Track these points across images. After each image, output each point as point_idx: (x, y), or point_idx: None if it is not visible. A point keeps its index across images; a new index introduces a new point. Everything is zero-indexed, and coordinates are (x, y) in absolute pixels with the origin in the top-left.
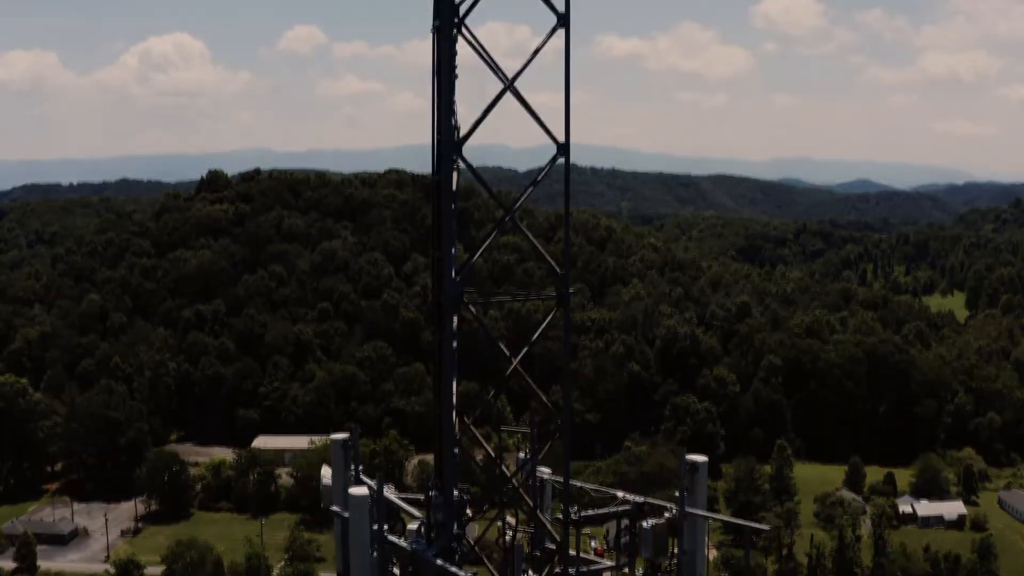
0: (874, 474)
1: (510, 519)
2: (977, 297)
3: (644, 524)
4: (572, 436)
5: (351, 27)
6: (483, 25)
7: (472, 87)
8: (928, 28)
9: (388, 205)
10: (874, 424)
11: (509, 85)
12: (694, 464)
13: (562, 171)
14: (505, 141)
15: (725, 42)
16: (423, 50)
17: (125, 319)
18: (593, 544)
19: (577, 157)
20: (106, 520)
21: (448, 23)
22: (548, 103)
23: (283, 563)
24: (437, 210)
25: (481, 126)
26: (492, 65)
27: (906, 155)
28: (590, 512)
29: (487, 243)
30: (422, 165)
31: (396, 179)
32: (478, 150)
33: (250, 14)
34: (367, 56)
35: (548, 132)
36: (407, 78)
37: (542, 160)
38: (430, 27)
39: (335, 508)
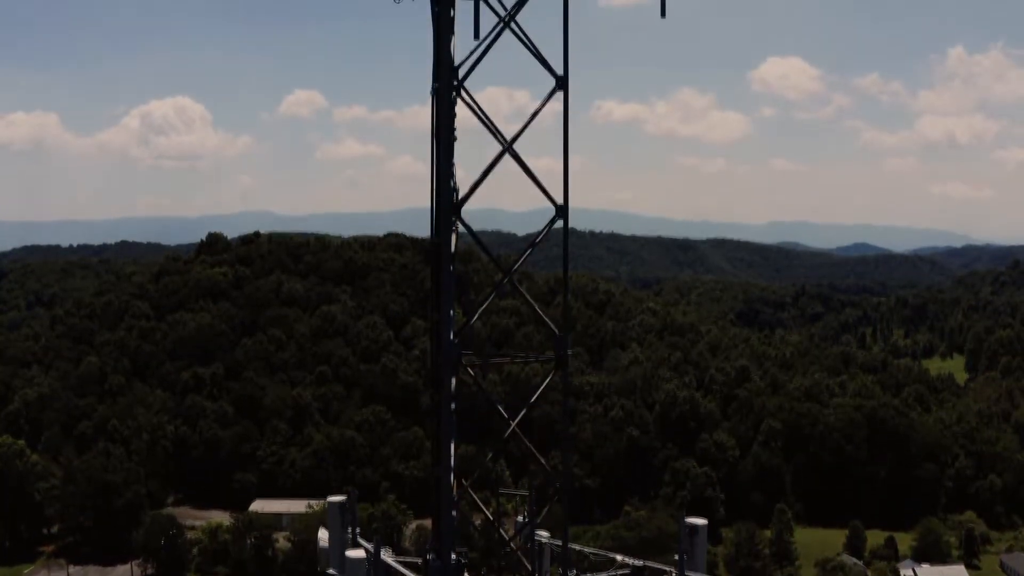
0: (875, 538)
1: None
2: (976, 359)
3: None
4: (571, 500)
5: (351, 91)
6: (483, 90)
7: (471, 150)
8: (925, 92)
9: (387, 269)
10: (874, 488)
11: (508, 147)
12: (693, 527)
13: (561, 234)
14: (504, 205)
15: (723, 107)
16: (422, 114)
17: (123, 381)
18: None
19: (576, 221)
20: None
21: (447, 85)
22: (547, 167)
23: None
24: (436, 272)
25: (480, 189)
26: (491, 127)
27: (904, 218)
28: None
29: (485, 304)
30: (421, 229)
31: (395, 243)
32: (477, 214)
33: (251, 78)
34: (367, 120)
35: (546, 194)
36: (407, 142)
37: (541, 224)
38: (429, 89)
39: (332, 572)
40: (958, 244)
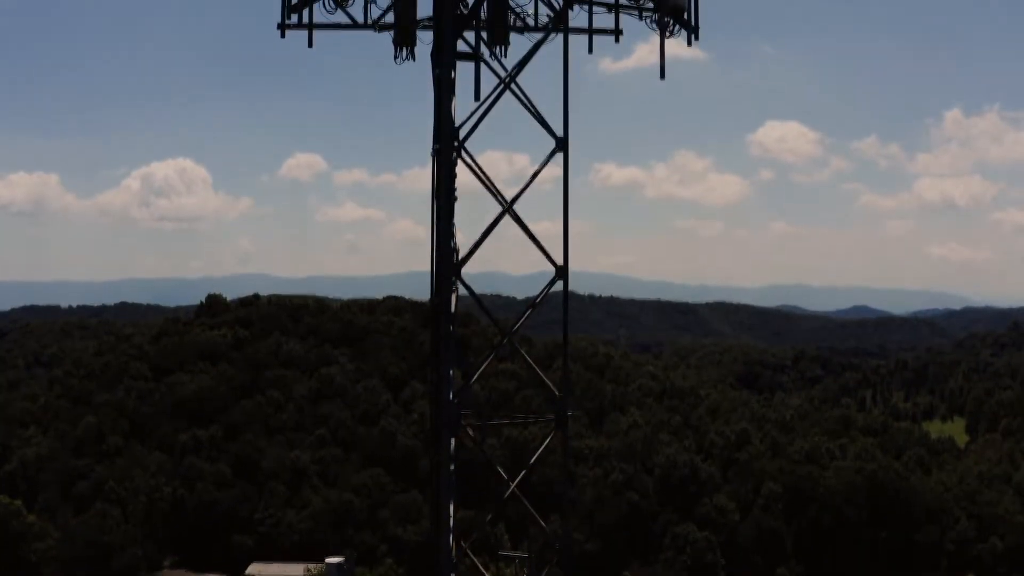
0: None
1: None
2: (977, 422)
3: None
4: (571, 564)
5: (352, 155)
6: (483, 153)
7: (472, 214)
8: (922, 155)
9: (386, 332)
10: (875, 551)
11: (508, 208)
12: None
13: (560, 299)
14: (504, 268)
15: (721, 170)
16: (422, 178)
17: (121, 442)
18: None
19: (576, 285)
20: None
21: (448, 146)
22: (547, 231)
23: None
24: (435, 332)
25: (481, 252)
26: (491, 188)
27: (903, 281)
28: None
29: (485, 365)
30: (421, 292)
31: (395, 306)
32: (478, 277)
33: (252, 141)
34: (367, 183)
35: (546, 254)
36: (406, 205)
37: (542, 287)
38: (430, 151)
39: None
40: (957, 306)
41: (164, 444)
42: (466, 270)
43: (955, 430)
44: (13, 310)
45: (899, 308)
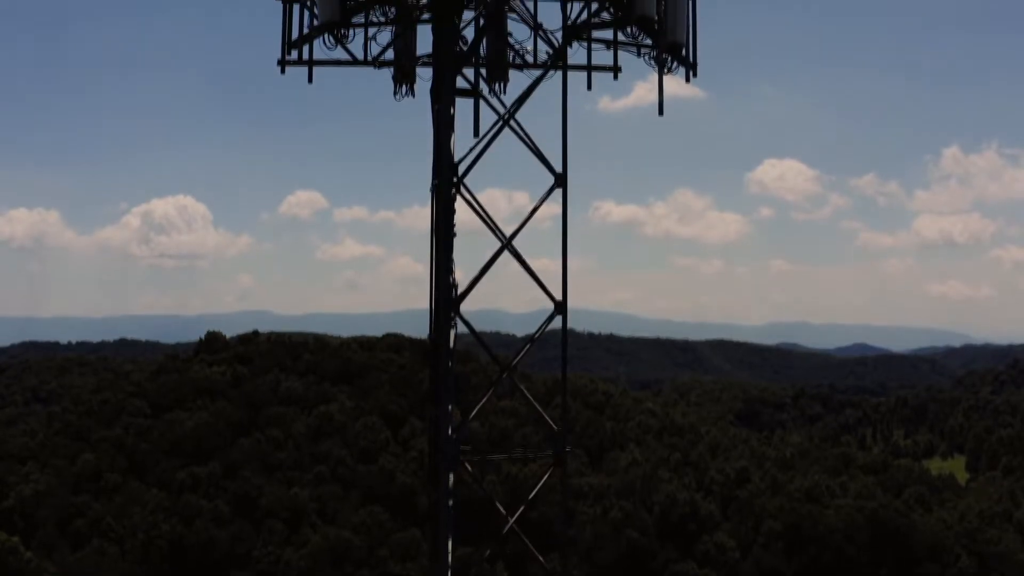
0: None
1: None
2: (977, 459)
3: None
4: None
5: (352, 192)
6: (483, 191)
7: (471, 251)
8: (921, 192)
9: (386, 369)
10: None
11: (507, 243)
12: None
13: (560, 335)
14: (504, 306)
15: (721, 208)
16: (422, 215)
17: (119, 479)
18: None
19: (576, 323)
20: None
21: (447, 182)
22: (548, 268)
23: None
24: (434, 368)
25: (481, 290)
26: (490, 223)
27: (902, 318)
28: None
29: (484, 400)
30: (421, 330)
31: (394, 343)
32: (478, 314)
33: (253, 178)
34: (367, 221)
35: (545, 290)
36: (406, 243)
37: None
38: (429, 187)
39: None
40: (957, 343)
41: (162, 481)
42: (466, 308)
43: (956, 467)
44: (12, 346)
45: (899, 345)
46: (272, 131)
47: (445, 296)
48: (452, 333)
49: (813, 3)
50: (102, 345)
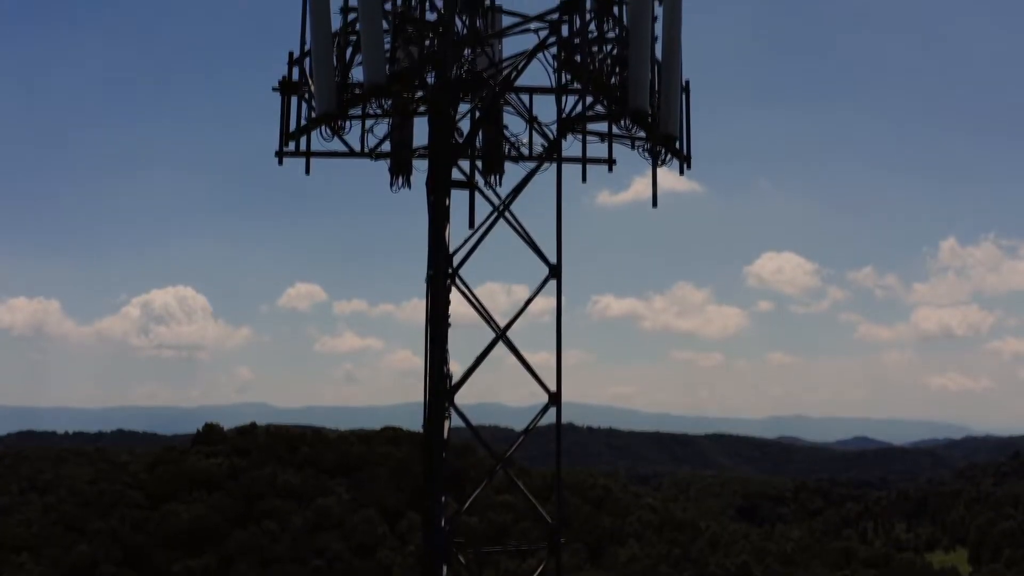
0: None
1: None
2: (980, 552)
3: None
4: None
5: (351, 285)
6: (482, 284)
7: (467, 344)
8: (919, 285)
9: (384, 462)
10: None
11: (501, 334)
12: None
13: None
14: (503, 399)
15: (719, 301)
16: (421, 308)
17: (115, 571)
18: None
19: (575, 416)
20: None
21: (442, 273)
22: (546, 361)
23: None
24: (428, 459)
25: (479, 383)
26: (485, 315)
27: (902, 411)
28: None
29: (479, 491)
30: (419, 423)
31: (392, 436)
32: (475, 407)
33: (253, 271)
34: (366, 313)
35: (539, 381)
36: (405, 336)
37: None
38: (424, 278)
39: None
40: (958, 436)
41: (158, 574)
42: (464, 400)
43: (958, 560)
44: (9, 435)
45: (900, 438)
46: (271, 222)
47: (439, 387)
48: (446, 425)
49: (809, 99)
50: (100, 435)
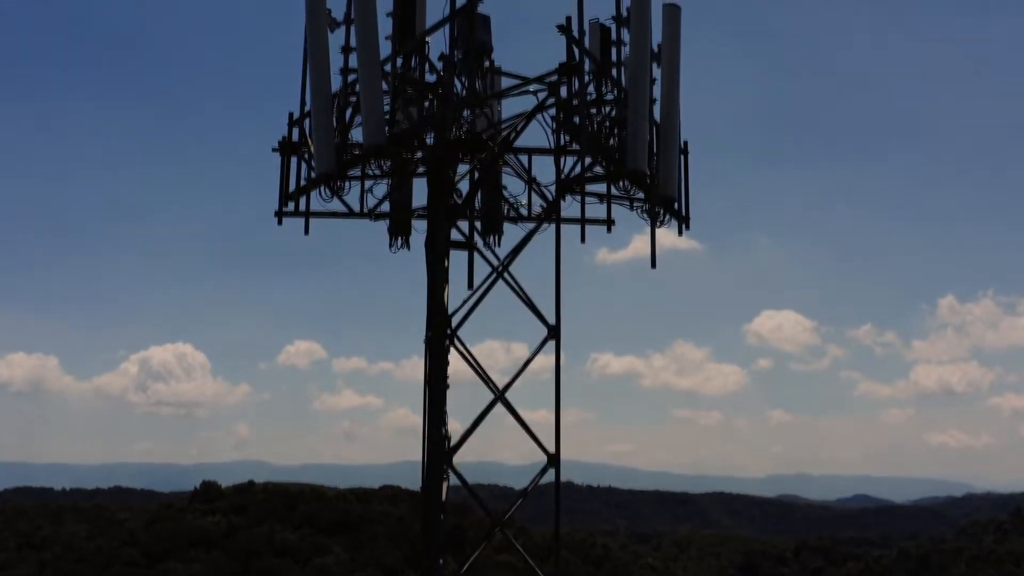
0: None
1: None
2: None
3: None
4: None
5: (351, 343)
6: (482, 343)
7: (467, 404)
8: (918, 342)
9: (382, 521)
10: None
11: (500, 395)
12: None
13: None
14: (501, 459)
15: (719, 360)
16: (420, 366)
17: None
18: None
19: (575, 475)
20: None
21: (440, 334)
22: (545, 420)
23: None
24: (426, 520)
25: (479, 442)
26: (483, 375)
27: (903, 468)
28: None
29: (477, 553)
30: (418, 481)
31: (391, 495)
32: (475, 467)
33: (251, 328)
34: (366, 371)
35: (538, 442)
36: (404, 394)
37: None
38: (423, 339)
39: None
40: (959, 493)
41: None
42: (464, 460)
43: None
44: (6, 491)
45: (900, 496)
46: (271, 281)
47: (437, 448)
48: (445, 485)
49: (808, 158)
50: (97, 492)
